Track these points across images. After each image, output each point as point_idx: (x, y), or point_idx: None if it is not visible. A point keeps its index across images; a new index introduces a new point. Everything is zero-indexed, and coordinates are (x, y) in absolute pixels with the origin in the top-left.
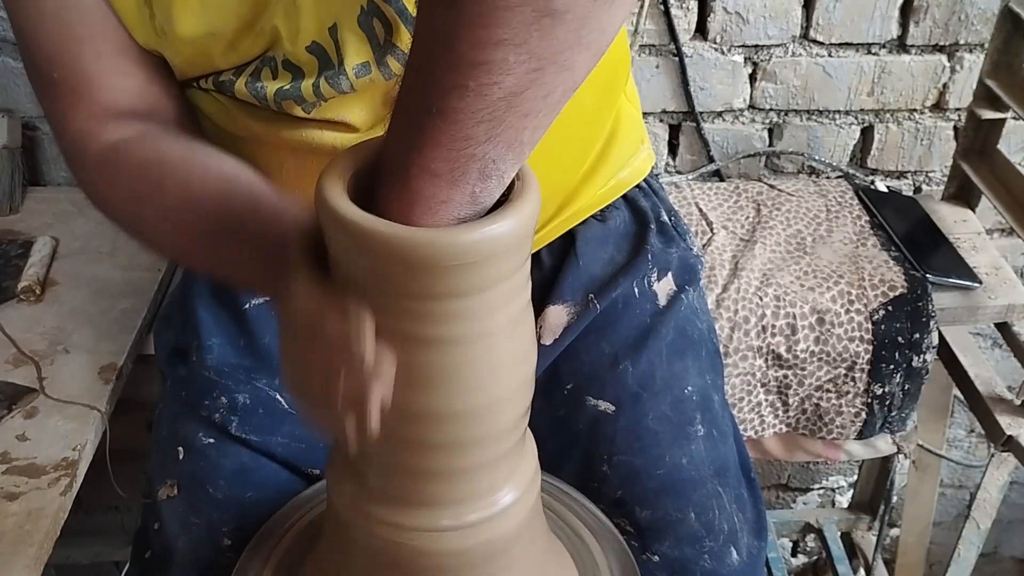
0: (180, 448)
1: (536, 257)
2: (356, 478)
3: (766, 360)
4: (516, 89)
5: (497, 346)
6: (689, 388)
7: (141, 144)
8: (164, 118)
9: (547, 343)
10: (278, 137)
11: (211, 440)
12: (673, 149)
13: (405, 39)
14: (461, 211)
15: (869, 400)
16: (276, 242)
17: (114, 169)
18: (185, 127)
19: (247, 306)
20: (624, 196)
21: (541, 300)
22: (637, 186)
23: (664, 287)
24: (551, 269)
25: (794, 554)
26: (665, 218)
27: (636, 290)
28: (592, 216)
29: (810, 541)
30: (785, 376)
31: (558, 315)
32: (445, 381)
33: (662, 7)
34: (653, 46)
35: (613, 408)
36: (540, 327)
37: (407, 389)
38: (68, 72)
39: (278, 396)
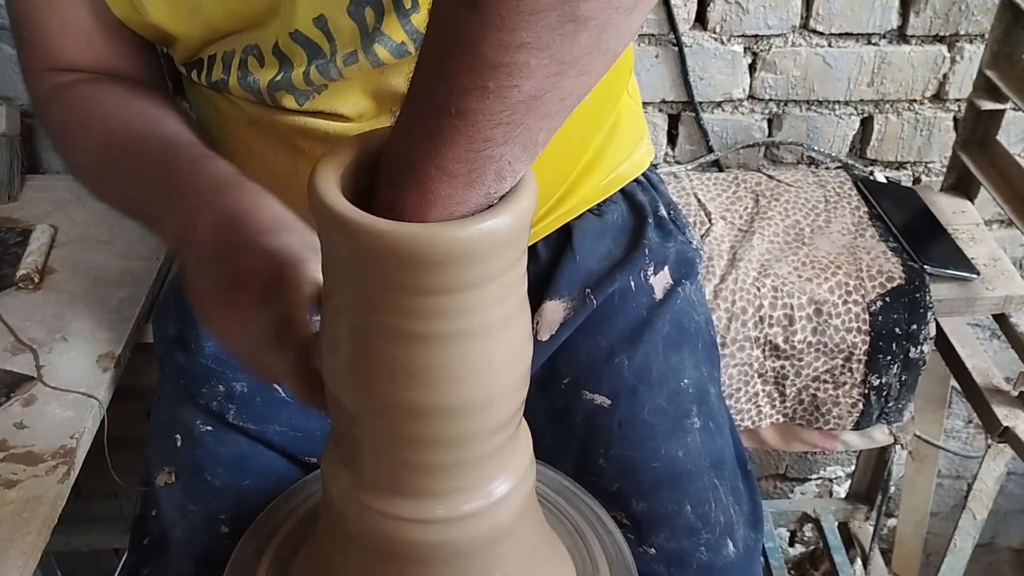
0: (178, 436)
1: (532, 251)
2: (350, 469)
3: (763, 351)
4: (536, 92)
5: (492, 341)
6: (685, 381)
7: (83, 84)
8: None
9: (544, 339)
10: (271, 123)
11: (209, 428)
12: (672, 139)
13: (394, 27)
14: (475, 212)
15: (866, 391)
16: (183, 192)
17: (55, 106)
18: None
19: None
20: (622, 191)
21: (537, 295)
22: (635, 180)
23: (660, 280)
24: (547, 264)
25: (791, 544)
26: (663, 212)
27: (632, 284)
28: (589, 210)
29: (807, 531)
30: (782, 367)
31: (555, 311)
32: (439, 376)
33: None
34: (652, 36)
35: (609, 402)
36: (537, 323)
37: (400, 384)
38: (34, 34)
39: (276, 385)
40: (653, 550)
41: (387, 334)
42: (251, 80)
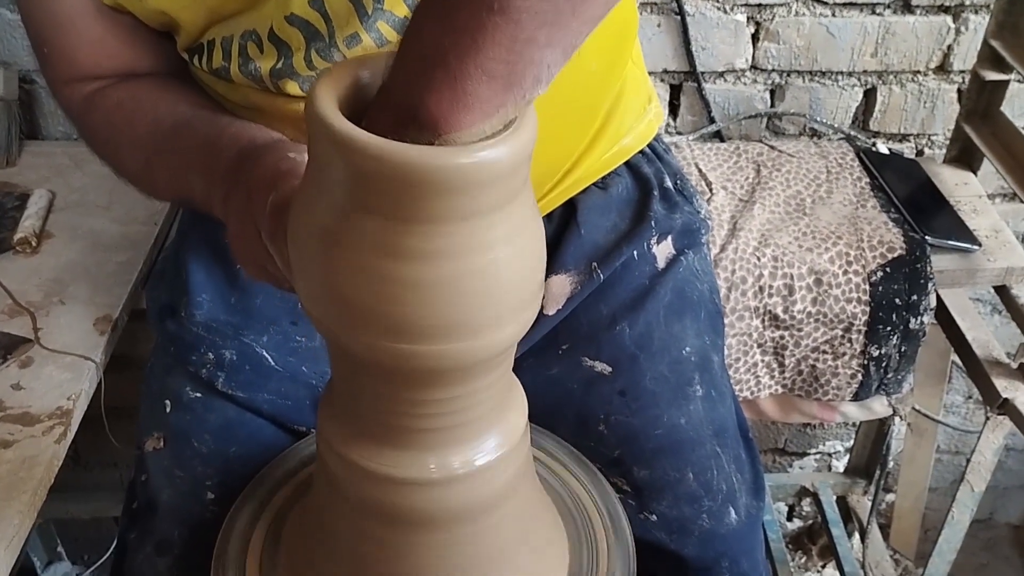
0: (167, 402)
1: None
2: (347, 421)
3: (763, 321)
4: None
5: (490, 265)
6: (687, 349)
7: (116, 87)
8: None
9: (550, 313)
10: (275, 108)
11: (198, 395)
12: (674, 109)
13: (396, 1)
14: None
15: (865, 361)
16: (224, 165)
17: (93, 113)
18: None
19: None
20: (627, 163)
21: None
22: (641, 152)
23: (663, 250)
24: (551, 239)
25: (790, 518)
26: (669, 183)
27: (635, 253)
28: (593, 184)
29: (806, 505)
30: (782, 337)
31: (561, 285)
32: (432, 298)
33: None
34: (655, 4)
35: (610, 369)
36: (543, 297)
37: (393, 303)
38: (55, 52)
39: (265, 353)
40: (655, 517)
41: (378, 249)
42: (252, 68)
